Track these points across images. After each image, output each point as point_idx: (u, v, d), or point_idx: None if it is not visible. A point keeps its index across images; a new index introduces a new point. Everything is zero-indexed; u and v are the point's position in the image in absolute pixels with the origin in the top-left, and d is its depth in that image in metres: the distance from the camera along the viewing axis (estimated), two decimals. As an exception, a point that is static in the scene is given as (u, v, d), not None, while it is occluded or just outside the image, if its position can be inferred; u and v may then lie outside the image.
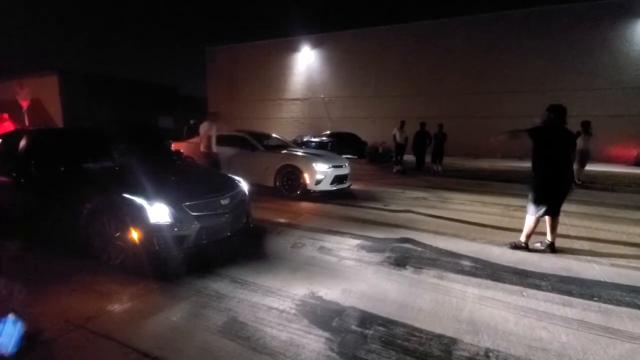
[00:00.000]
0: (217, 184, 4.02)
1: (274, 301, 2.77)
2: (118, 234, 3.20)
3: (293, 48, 23.36)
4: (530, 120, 4.68)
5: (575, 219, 5.45)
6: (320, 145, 14.27)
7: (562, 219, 5.01)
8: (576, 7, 16.41)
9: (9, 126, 8.20)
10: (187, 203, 3.34)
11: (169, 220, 3.18)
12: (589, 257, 3.87)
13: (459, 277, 3.30)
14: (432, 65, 19.39)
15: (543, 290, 3.06)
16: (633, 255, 3.97)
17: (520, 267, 3.55)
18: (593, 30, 16.15)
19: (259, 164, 7.18)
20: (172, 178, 3.88)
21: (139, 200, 3.15)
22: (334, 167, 7.02)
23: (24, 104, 15.91)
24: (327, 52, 22.51)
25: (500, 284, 3.16)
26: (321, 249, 3.98)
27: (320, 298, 2.84)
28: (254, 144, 7.43)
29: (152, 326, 2.41)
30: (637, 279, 3.33)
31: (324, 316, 2.56)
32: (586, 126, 8.86)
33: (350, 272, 3.37)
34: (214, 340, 2.26)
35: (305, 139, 15.53)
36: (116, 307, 2.63)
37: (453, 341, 2.29)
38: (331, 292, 2.94)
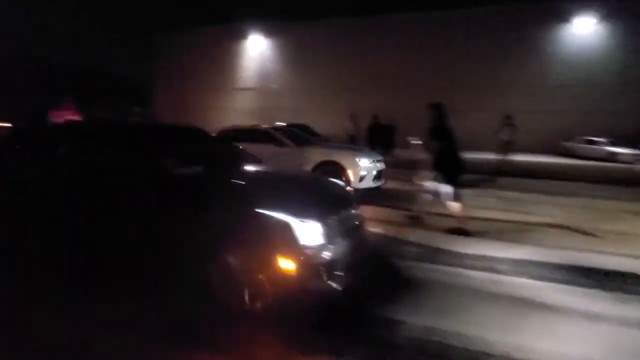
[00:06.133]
0: (330, 191, 3.14)
1: None
2: (254, 266, 2.25)
3: (245, 36, 22.03)
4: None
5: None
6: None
7: None
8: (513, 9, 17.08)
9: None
10: (333, 217, 2.49)
11: (322, 241, 2.32)
12: None
13: None
14: (387, 60, 18.86)
15: None
16: None
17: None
18: (536, 31, 17.12)
19: (291, 161, 6.25)
20: (284, 185, 2.92)
21: (281, 216, 2.24)
22: (376, 161, 6.42)
23: None
24: (280, 42, 21.49)
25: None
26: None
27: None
28: (281, 139, 6.50)
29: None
30: None
31: None
32: (508, 119, 9.56)
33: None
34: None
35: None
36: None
37: None
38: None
